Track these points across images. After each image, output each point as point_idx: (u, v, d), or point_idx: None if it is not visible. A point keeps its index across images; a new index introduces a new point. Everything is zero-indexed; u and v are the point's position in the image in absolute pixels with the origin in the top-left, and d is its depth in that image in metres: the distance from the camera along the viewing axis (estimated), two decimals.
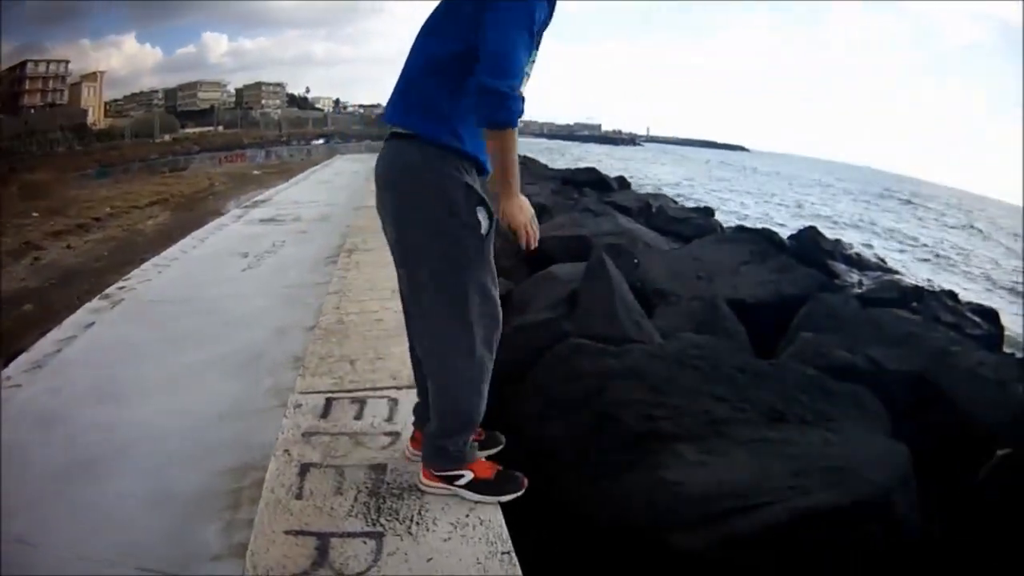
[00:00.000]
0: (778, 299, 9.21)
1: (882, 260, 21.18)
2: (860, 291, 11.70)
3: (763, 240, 12.72)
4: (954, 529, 4.82)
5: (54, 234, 22.08)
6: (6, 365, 6.97)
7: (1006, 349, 10.86)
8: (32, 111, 76.10)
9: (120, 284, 9.73)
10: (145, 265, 10.98)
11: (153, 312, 8.26)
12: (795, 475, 4.20)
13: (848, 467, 4.32)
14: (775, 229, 17.12)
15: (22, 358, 7.08)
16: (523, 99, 2.94)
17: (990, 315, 12.10)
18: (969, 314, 11.41)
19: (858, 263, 16.69)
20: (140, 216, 25.78)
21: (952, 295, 13.18)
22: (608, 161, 68.31)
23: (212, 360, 6.47)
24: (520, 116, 2.94)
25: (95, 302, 8.90)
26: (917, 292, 12.06)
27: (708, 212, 22.88)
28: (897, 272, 18.51)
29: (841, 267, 14.15)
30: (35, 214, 26.96)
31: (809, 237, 15.70)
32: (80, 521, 4.24)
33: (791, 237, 16.74)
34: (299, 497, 3.10)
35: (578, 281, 7.31)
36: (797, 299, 9.06)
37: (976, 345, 8.56)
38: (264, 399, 5.46)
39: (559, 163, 48.92)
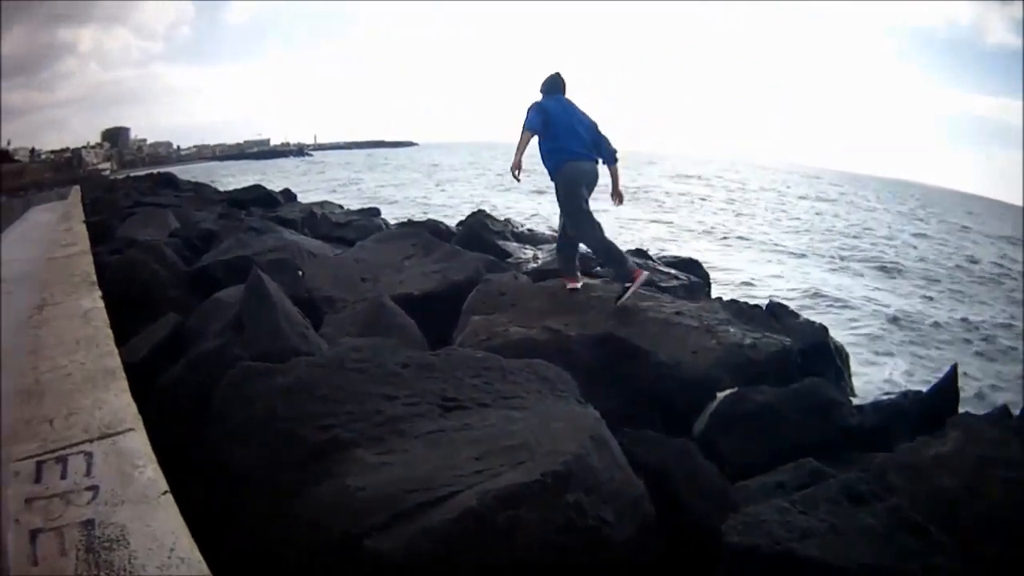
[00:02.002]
0: (448, 288, 9.08)
1: (555, 231, 21.61)
2: (536, 266, 11.47)
3: (426, 232, 12.71)
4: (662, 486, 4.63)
5: None
6: None
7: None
8: None
9: None
10: None
11: None
12: (480, 459, 4.12)
13: (534, 441, 4.23)
14: None
15: None
16: (530, 132, 7.89)
17: (692, 265, 12.15)
18: (664, 268, 11.24)
19: (531, 239, 16.43)
20: None
21: (642, 252, 13.13)
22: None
23: None
24: (527, 129, 7.90)
25: None
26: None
27: (373, 212, 22.79)
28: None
29: (513, 245, 13.84)
30: None
31: (476, 222, 15.55)
32: None
33: (459, 224, 16.97)
34: (35, 563, 3.05)
35: (240, 303, 6.90)
36: (467, 284, 8.96)
37: (671, 296, 8.58)
38: None
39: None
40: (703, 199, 53.44)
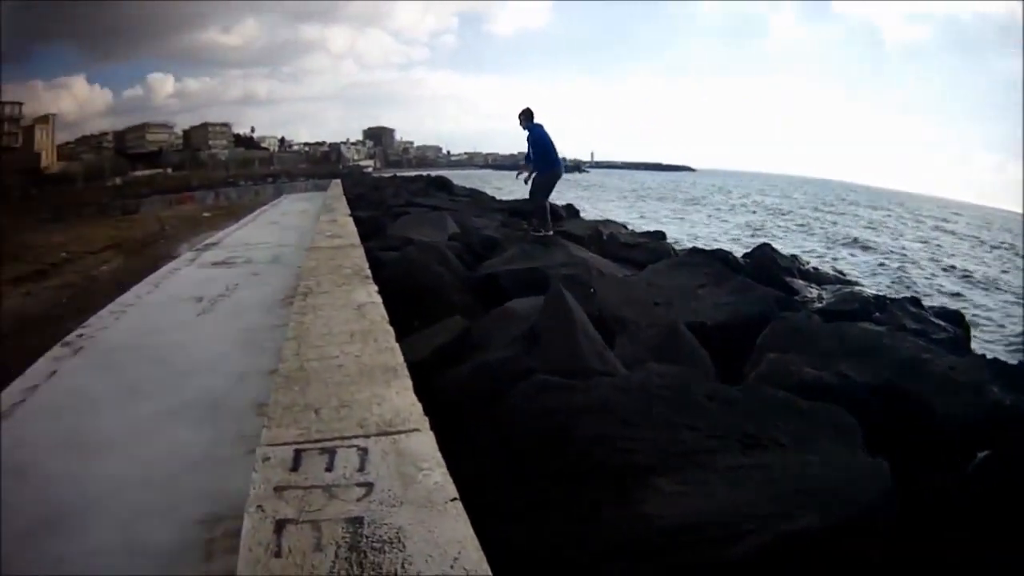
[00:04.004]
0: (738, 320, 8.97)
1: (840, 272, 21.18)
2: (821, 305, 11.44)
3: (718, 262, 12.55)
4: (941, 534, 4.66)
5: (13, 281, 21.77)
6: None
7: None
8: None
9: (79, 331, 9.61)
10: (102, 312, 10.83)
11: (113, 359, 8.17)
12: (775, 500, 4.14)
13: (829, 487, 4.27)
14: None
15: None
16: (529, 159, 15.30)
17: (954, 317, 11.92)
18: (933, 319, 11.19)
19: (815, 277, 16.45)
20: (95, 261, 25.44)
21: (915, 301, 12.83)
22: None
23: (175, 408, 6.43)
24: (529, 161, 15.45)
25: (56, 349, 8.78)
26: (879, 302, 11.72)
27: (659, 236, 22.50)
28: (855, 283, 18.33)
29: (799, 283, 13.86)
30: None
31: (764, 255, 15.12)
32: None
33: (746, 256, 16.51)
34: (278, 555, 3.02)
35: (536, 315, 7.13)
36: (758, 319, 8.83)
37: (944, 349, 8.37)
38: (229, 447, 5.47)
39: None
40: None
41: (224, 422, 5.97)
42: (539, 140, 14.99)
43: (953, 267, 35.42)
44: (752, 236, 40.97)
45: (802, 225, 55.58)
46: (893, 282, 26.83)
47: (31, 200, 66.13)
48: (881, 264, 33.68)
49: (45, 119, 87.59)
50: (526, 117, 15.01)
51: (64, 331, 10.17)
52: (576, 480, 4.47)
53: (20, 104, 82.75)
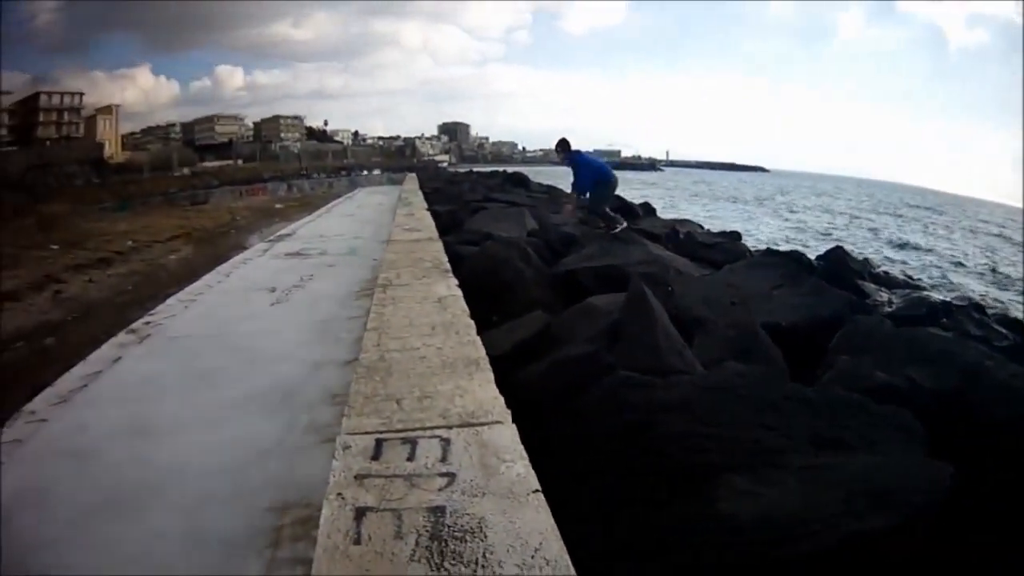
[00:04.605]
0: (811, 322, 9.10)
1: (908, 276, 21.10)
2: (890, 310, 11.50)
3: (793, 263, 12.68)
4: (1001, 539, 4.73)
5: (75, 267, 22.25)
6: (30, 399, 6.96)
7: None
8: (47, 143, 76.60)
9: (146, 319, 9.75)
10: (170, 300, 10.99)
11: (181, 347, 8.28)
12: (844, 500, 4.22)
13: (894, 489, 4.33)
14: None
15: (46, 392, 7.08)
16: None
17: (1016, 325, 11.77)
18: (996, 325, 11.01)
19: (885, 281, 16.11)
20: (162, 250, 26.02)
21: (979, 308, 12.64)
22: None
23: (245, 396, 6.49)
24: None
25: (121, 336, 8.91)
26: (946, 307, 11.86)
27: (735, 236, 22.27)
28: (924, 288, 18.35)
29: (870, 286, 13.95)
30: (54, 247, 27.20)
31: (838, 257, 15.35)
32: (111, 560, 4.22)
33: (819, 258, 16.62)
34: (357, 542, 3.02)
35: (617, 312, 7.32)
36: (830, 321, 8.91)
37: (1005, 357, 8.38)
38: (301, 436, 5.49)
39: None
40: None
41: (296, 412, 6.01)
42: (584, 167, 15.57)
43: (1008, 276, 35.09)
44: (821, 238, 40.97)
45: (872, 230, 55.48)
46: (953, 288, 26.62)
47: (94, 189, 67.64)
48: (942, 267, 33.61)
49: (108, 109, 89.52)
50: (563, 148, 15.67)
51: (127, 319, 10.33)
52: (654, 477, 4.58)
53: (81, 94, 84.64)
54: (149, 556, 4.21)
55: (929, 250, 42.54)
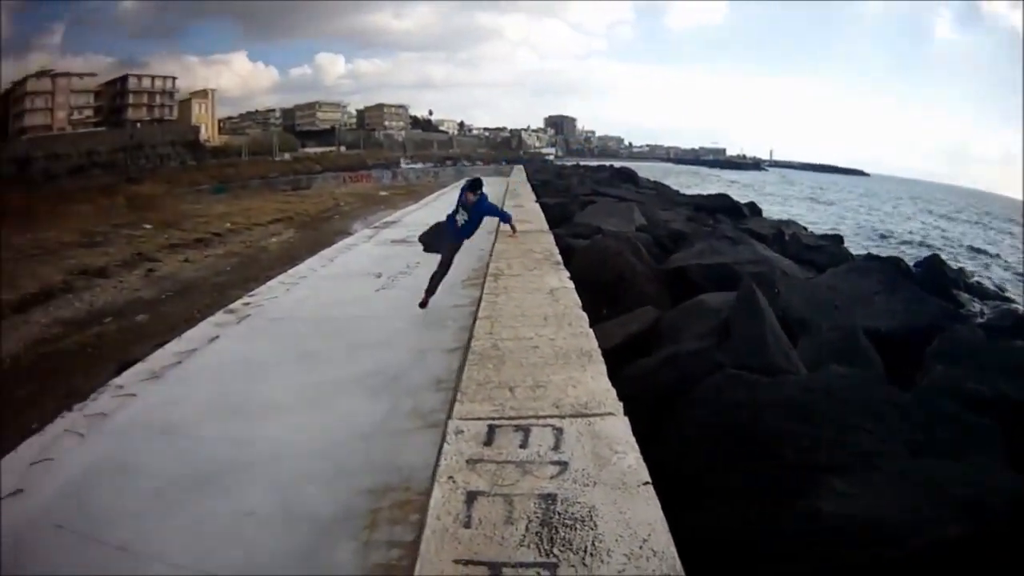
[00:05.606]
0: (909, 329, 9.21)
1: (1000, 288, 20.84)
2: (982, 320, 11.42)
3: (893, 269, 12.68)
4: None
5: (170, 247, 22.75)
6: (119, 374, 7.15)
7: None
8: (138, 125, 78.15)
9: (245, 300, 10.00)
10: (271, 282, 11.26)
11: (281, 329, 8.50)
12: (933, 506, 4.32)
13: (982, 500, 4.37)
14: None
15: (136, 368, 7.33)
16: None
17: None
18: None
19: (978, 291, 16.69)
20: (263, 233, 26.43)
21: None
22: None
23: (348, 379, 6.61)
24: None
25: (219, 316, 9.16)
26: None
27: (838, 240, 23.01)
28: (1011, 300, 18.14)
29: (964, 296, 13.92)
30: (147, 226, 27.83)
31: (934, 266, 15.35)
32: (195, 535, 4.37)
33: (916, 265, 16.55)
34: (467, 526, 3.04)
35: (727, 310, 7.47)
36: (927, 329, 9.02)
37: None
38: (405, 421, 5.58)
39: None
40: None
41: (400, 396, 6.11)
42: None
43: None
44: (916, 246, 40.28)
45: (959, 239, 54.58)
46: None
47: (189, 171, 69.19)
48: None
49: (204, 93, 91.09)
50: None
51: (225, 299, 10.54)
52: (757, 473, 4.73)
53: (173, 78, 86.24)
54: (237, 533, 4.34)
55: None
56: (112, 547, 4.24)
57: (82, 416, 6.15)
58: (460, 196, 10.16)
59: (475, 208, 10.00)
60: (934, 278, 13.52)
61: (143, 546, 4.25)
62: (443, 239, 10.38)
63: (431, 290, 9.85)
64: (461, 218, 9.94)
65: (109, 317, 14.84)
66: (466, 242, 9.26)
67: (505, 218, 10.99)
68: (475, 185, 10.36)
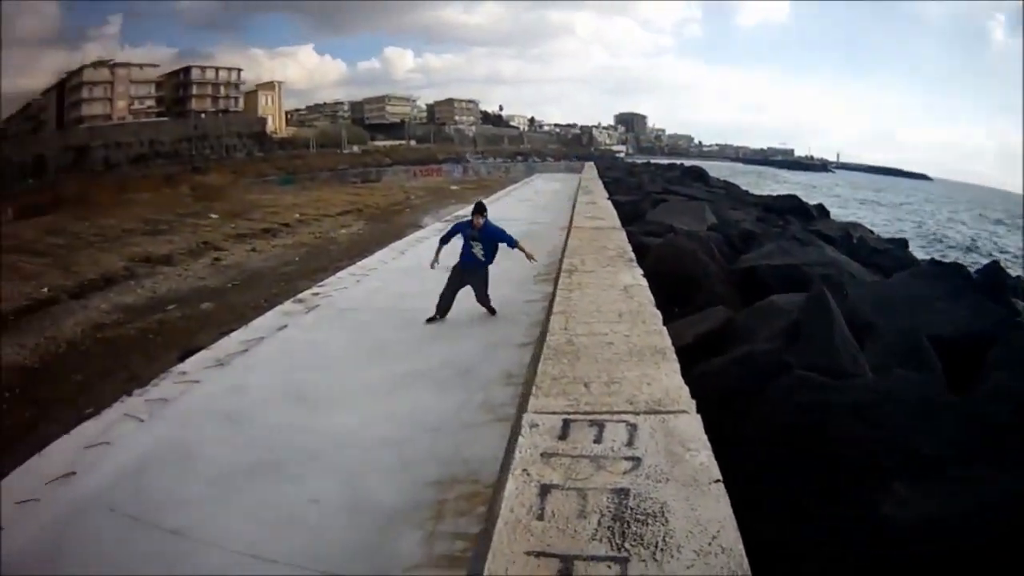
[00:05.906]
0: (969, 335, 9.03)
1: None
2: None
3: (956, 275, 12.46)
4: None
5: (236, 236, 23.02)
6: (182, 360, 7.26)
7: None
8: (202, 116, 78.95)
9: (314, 290, 10.11)
10: (341, 273, 11.37)
11: (351, 320, 8.60)
12: (989, 513, 4.37)
13: None
14: None
15: (202, 355, 7.48)
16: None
17: None
18: None
19: None
20: (332, 224, 26.64)
21: None
22: None
23: (417, 371, 6.68)
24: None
25: (287, 305, 9.26)
26: None
27: (902, 244, 22.74)
28: None
29: (1021, 304, 13.94)
30: (213, 216, 28.21)
31: (994, 273, 15.33)
32: (256, 522, 4.45)
33: (977, 272, 16.57)
34: (540, 518, 3.05)
35: (797, 312, 7.60)
36: (987, 335, 8.83)
37: None
38: (475, 414, 5.61)
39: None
40: None
41: (471, 390, 6.16)
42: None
43: None
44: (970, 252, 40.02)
45: None
46: None
47: (256, 162, 69.95)
48: None
49: (270, 85, 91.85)
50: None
51: (293, 289, 10.64)
52: (824, 475, 4.79)
53: (239, 70, 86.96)
54: (298, 520, 4.41)
55: None
56: (166, 531, 4.35)
57: (143, 401, 6.31)
58: (464, 230, 10.16)
59: (484, 234, 10.04)
60: (994, 285, 13.49)
61: (199, 531, 4.35)
62: (463, 279, 9.90)
63: (442, 309, 9.63)
64: (478, 250, 9.94)
65: (172, 304, 15.12)
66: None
67: (511, 243, 10.36)
68: (480, 208, 10.49)
